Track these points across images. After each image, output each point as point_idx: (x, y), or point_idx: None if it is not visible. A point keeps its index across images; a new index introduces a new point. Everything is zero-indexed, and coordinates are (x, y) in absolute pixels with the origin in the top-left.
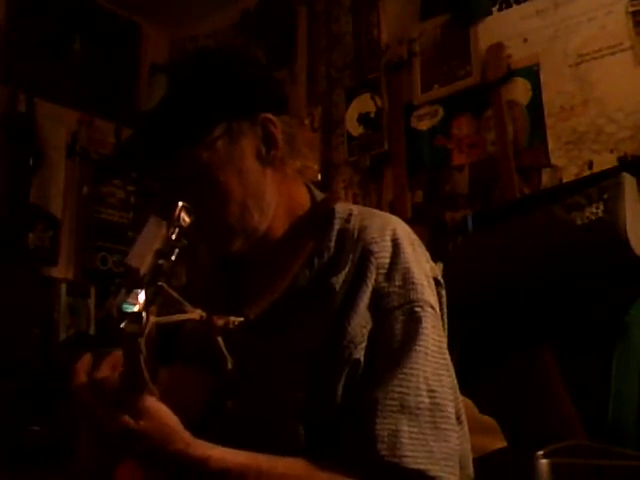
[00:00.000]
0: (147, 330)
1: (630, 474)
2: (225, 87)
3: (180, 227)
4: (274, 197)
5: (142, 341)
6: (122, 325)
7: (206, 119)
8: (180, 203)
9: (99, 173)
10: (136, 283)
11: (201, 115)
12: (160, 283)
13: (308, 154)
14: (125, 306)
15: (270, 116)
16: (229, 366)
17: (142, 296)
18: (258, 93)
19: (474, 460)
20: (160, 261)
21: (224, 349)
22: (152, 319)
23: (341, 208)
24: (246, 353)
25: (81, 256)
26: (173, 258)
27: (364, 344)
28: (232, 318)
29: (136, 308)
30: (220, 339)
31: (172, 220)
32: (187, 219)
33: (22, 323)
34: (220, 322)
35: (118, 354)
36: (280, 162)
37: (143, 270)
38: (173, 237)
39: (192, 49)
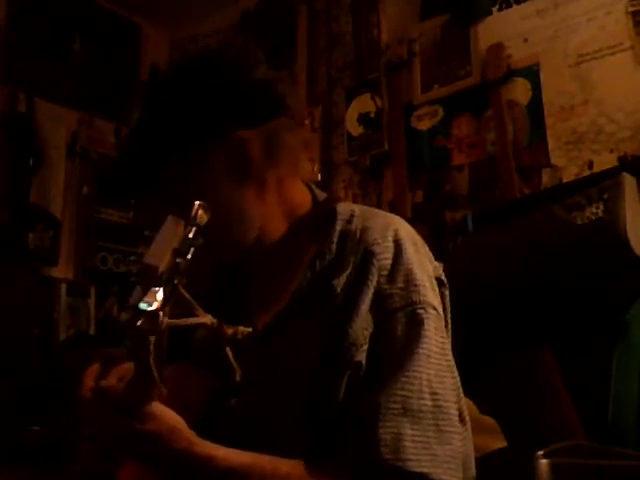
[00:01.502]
0: (162, 329)
1: (630, 474)
2: (195, 109)
3: (197, 226)
4: (257, 208)
5: (152, 340)
6: (138, 323)
7: (176, 144)
8: (197, 202)
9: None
10: (154, 281)
11: (171, 141)
12: (176, 282)
13: (297, 154)
14: (142, 304)
15: (242, 133)
16: (237, 378)
17: (160, 294)
18: (230, 110)
19: (474, 460)
20: (177, 260)
21: (233, 360)
22: (166, 320)
23: (343, 209)
24: (250, 357)
25: (81, 256)
26: (189, 257)
27: (366, 346)
28: (241, 328)
29: (154, 306)
30: (229, 350)
31: (190, 219)
32: (205, 218)
33: (22, 323)
34: (229, 331)
35: (126, 366)
36: (260, 173)
37: (161, 268)
38: (190, 236)
39: (192, 49)
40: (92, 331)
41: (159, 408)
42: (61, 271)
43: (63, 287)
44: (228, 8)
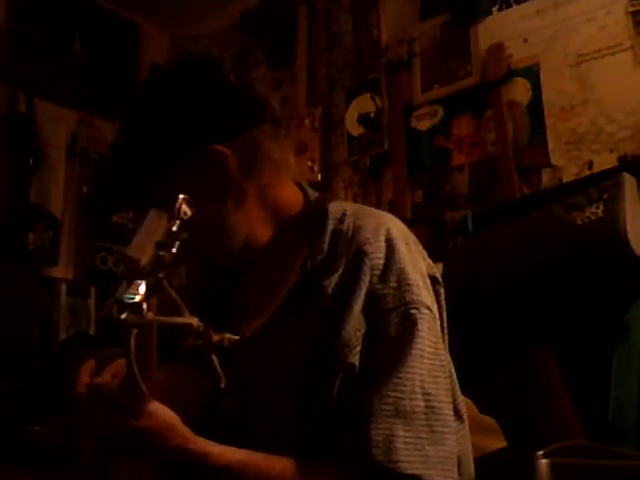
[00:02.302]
0: (146, 321)
1: (630, 474)
2: (170, 127)
3: (181, 219)
4: (239, 217)
5: (134, 333)
6: (123, 316)
7: (152, 161)
8: (181, 196)
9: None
10: (136, 274)
11: (146, 158)
12: (160, 275)
13: (283, 160)
14: (125, 297)
15: (218, 148)
16: (222, 385)
17: (142, 287)
18: (205, 127)
19: (474, 460)
20: (161, 252)
21: (218, 368)
22: (151, 315)
23: (335, 208)
24: (239, 360)
25: (81, 256)
26: (174, 250)
27: (359, 348)
28: (227, 335)
29: (136, 298)
30: (215, 357)
31: (173, 212)
32: (188, 212)
33: (22, 323)
34: (215, 338)
35: (121, 362)
36: (240, 185)
37: (144, 261)
38: (174, 229)
39: (192, 49)
40: (92, 331)
41: (154, 405)
42: (61, 271)
43: (63, 287)
44: (228, 8)
